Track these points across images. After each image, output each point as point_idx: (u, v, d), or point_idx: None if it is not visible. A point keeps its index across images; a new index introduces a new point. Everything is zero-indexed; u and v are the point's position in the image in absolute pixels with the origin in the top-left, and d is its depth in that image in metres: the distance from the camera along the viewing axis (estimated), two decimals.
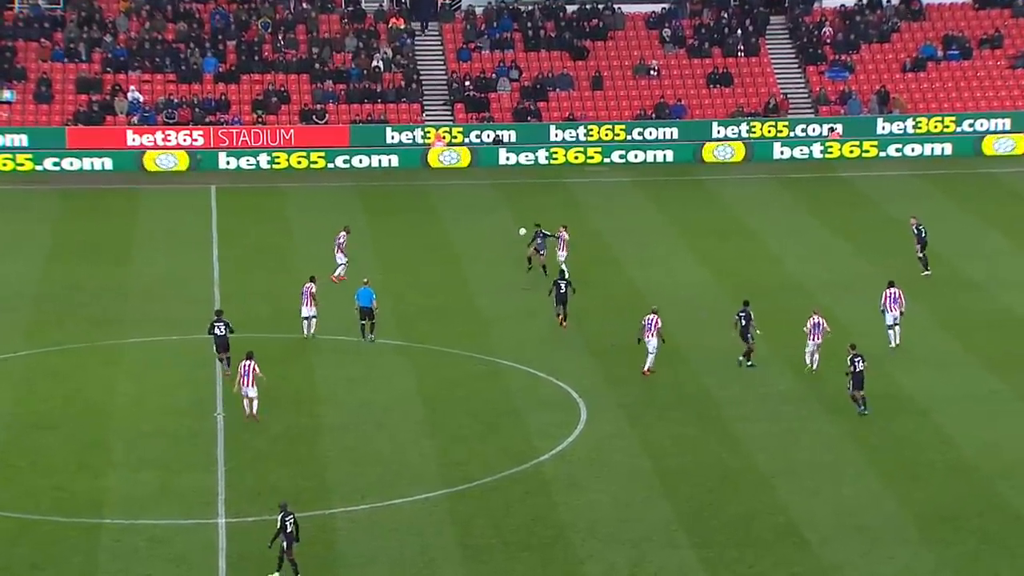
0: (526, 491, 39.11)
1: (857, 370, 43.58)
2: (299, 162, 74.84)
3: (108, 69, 78.86)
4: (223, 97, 78.32)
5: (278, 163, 74.75)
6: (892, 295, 49.43)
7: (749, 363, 47.04)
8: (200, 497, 38.50)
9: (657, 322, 46.80)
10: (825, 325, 46.88)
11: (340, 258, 56.19)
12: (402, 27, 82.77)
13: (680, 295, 54.00)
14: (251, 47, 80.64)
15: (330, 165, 74.96)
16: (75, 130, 75.43)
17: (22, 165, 73.00)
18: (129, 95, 77.34)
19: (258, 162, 74.65)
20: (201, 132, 75.93)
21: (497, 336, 50.71)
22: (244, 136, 76.07)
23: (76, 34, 79.93)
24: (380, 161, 75.37)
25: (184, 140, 75.66)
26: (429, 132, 77.26)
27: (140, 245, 61.64)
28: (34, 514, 37.26)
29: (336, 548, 36.11)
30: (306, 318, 50.01)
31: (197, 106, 77.59)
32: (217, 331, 46.70)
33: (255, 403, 43.33)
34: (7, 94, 76.57)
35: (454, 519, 37.48)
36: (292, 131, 76.55)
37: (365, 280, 49.86)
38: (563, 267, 54.74)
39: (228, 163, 74.56)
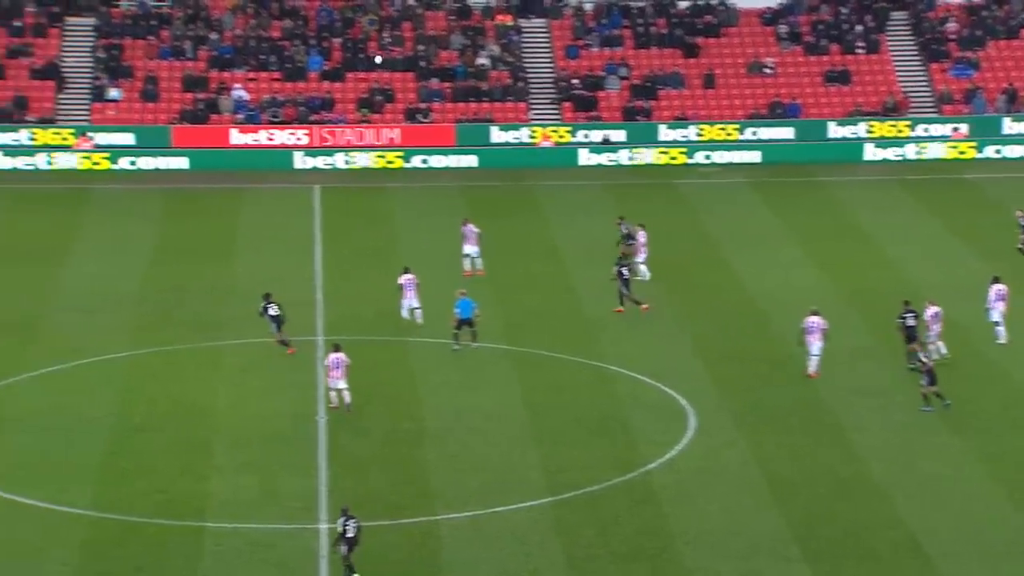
0: (634, 500, 38.19)
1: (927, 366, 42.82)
2: (403, 161, 74.34)
3: (214, 67, 78.84)
4: (328, 95, 78.01)
5: (382, 162, 74.30)
6: (998, 292, 48.09)
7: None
8: (301, 502, 38.00)
9: (821, 324, 45.69)
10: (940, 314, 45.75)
11: (471, 250, 55.92)
12: (509, 24, 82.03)
13: (793, 299, 52.67)
14: (356, 45, 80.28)
15: (433, 164, 74.38)
16: (180, 128, 75.44)
17: (132, 164, 73.10)
18: (234, 93, 77.25)
19: (362, 161, 74.24)
20: (305, 131, 75.66)
21: (604, 340, 49.77)
22: (348, 135, 75.70)
23: (182, 32, 79.98)
24: (485, 160, 74.71)
25: (288, 139, 75.43)
26: (535, 131, 76.43)
27: (243, 246, 61.37)
28: (138, 517, 36.96)
29: (439, 556, 35.49)
30: (413, 309, 49.72)
31: (302, 104, 77.33)
32: (271, 311, 47.74)
33: (345, 394, 43.02)
34: (113, 92, 76.74)
35: (559, 528, 36.67)
36: (397, 130, 76.05)
37: (463, 291, 48.96)
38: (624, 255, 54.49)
39: (333, 162, 74.22)
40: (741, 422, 43.01)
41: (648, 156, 75.12)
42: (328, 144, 75.38)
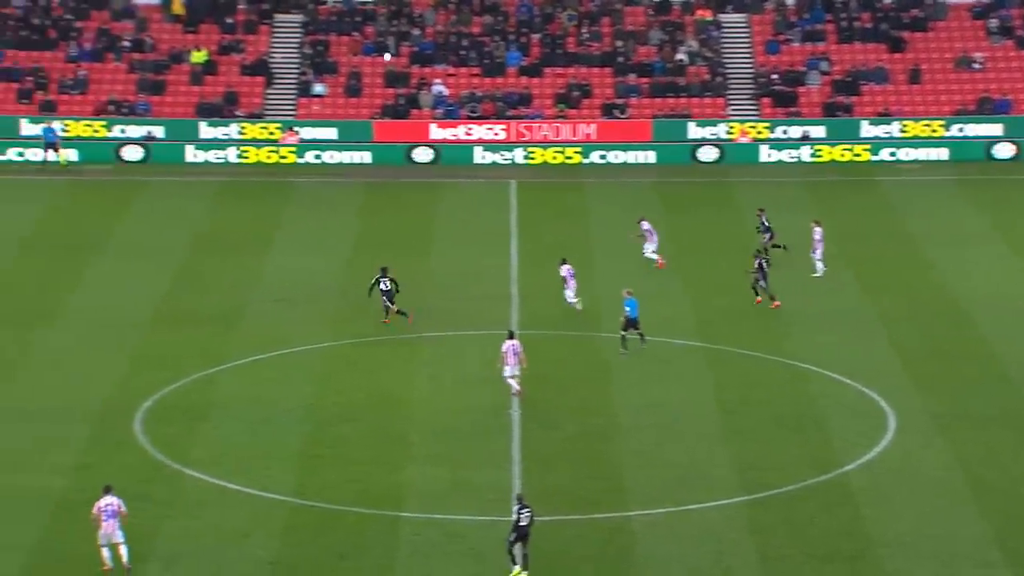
0: (830, 501, 37.74)
1: None
2: (599, 156, 74.39)
3: (415, 63, 79.76)
4: (526, 91, 78.40)
5: (579, 158, 74.44)
6: None
7: None
8: (495, 494, 38.31)
9: None
10: None
11: (649, 248, 56.47)
12: (709, 19, 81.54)
13: (999, 301, 51.51)
14: (555, 40, 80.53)
15: (628, 160, 74.28)
16: (381, 123, 76.49)
17: (331, 157, 74.31)
18: (434, 89, 78.06)
19: (559, 156, 74.48)
20: (503, 126, 76.14)
21: (798, 338, 49.26)
22: (545, 130, 75.98)
23: (385, 28, 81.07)
24: (681, 156, 74.40)
25: (486, 134, 75.99)
26: (733, 127, 75.88)
27: (440, 239, 61.99)
28: (337, 504, 37.58)
29: (631, 552, 35.48)
30: (571, 301, 50.81)
31: (500, 100, 77.83)
32: (383, 286, 49.77)
33: (514, 382, 43.46)
34: (319, 87, 78.11)
35: (753, 527, 36.40)
36: (593, 125, 76.11)
37: (629, 290, 48.78)
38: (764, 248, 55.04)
39: (529, 157, 74.59)
40: (941, 423, 42.24)
41: (848, 153, 74.06)
42: (525, 139, 75.73)
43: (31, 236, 60.96)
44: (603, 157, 74.48)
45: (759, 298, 52.02)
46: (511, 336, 44.30)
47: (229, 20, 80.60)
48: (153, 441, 41.24)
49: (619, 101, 77.58)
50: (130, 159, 73.42)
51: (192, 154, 73.67)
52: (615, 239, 60.69)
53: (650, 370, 46.84)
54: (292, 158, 74.17)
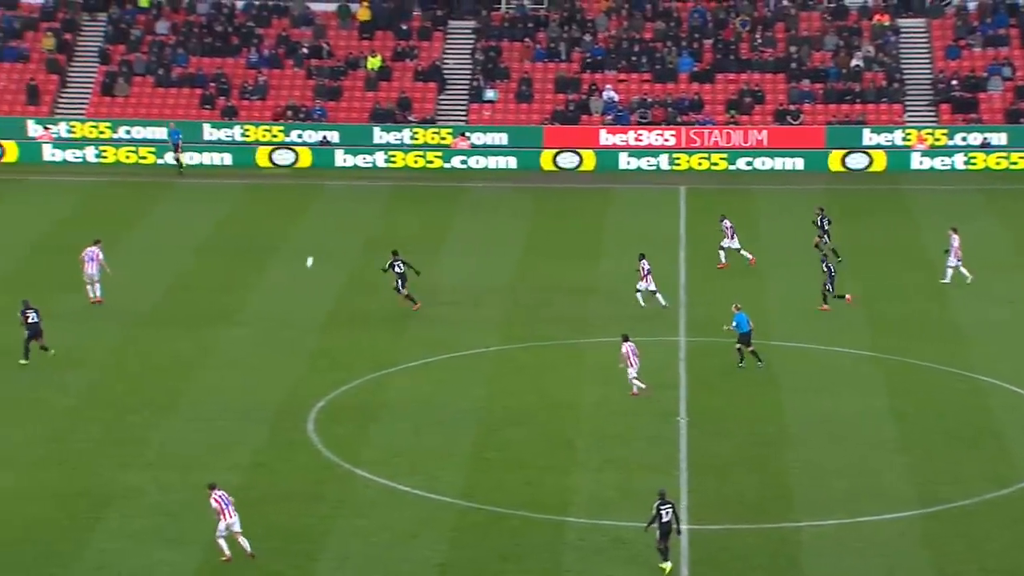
0: (1009, 517, 36.94)
1: None
2: (770, 164, 73.76)
3: (586, 68, 79.84)
4: (697, 97, 78.02)
5: (750, 165, 73.90)
6: None
7: None
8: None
9: None
10: None
11: (729, 244, 56.73)
12: (887, 24, 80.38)
13: None
14: (727, 46, 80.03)
15: (798, 167, 73.54)
16: (552, 129, 76.68)
17: (504, 164, 74.69)
18: (604, 94, 78.05)
19: (729, 163, 74.03)
20: (673, 132, 75.87)
21: (976, 350, 48.32)
22: (716, 136, 75.55)
23: (557, 34, 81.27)
24: (857, 163, 73.44)
25: (656, 140, 75.78)
26: (910, 134, 74.68)
27: (609, 245, 61.92)
28: (504, 508, 37.75)
29: (799, 562, 35.12)
30: (651, 293, 51.75)
31: (670, 106, 77.57)
32: (397, 268, 51.55)
33: (638, 383, 44.10)
34: (490, 93, 78.57)
35: (926, 542, 35.79)
36: (765, 132, 75.49)
37: (738, 305, 48.01)
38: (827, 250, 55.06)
39: (700, 163, 74.22)
40: None
41: None
42: (695, 145, 75.38)
43: (211, 239, 62.14)
44: (773, 163, 73.82)
45: (826, 305, 51.33)
46: (626, 339, 44.61)
47: (404, 27, 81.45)
48: (325, 441, 41.78)
49: (792, 107, 76.81)
50: (306, 164, 74.57)
51: (363, 159, 74.56)
52: (785, 245, 60.07)
53: (821, 379, 46.28)
54: (462, 163, 74.71)
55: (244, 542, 34.84)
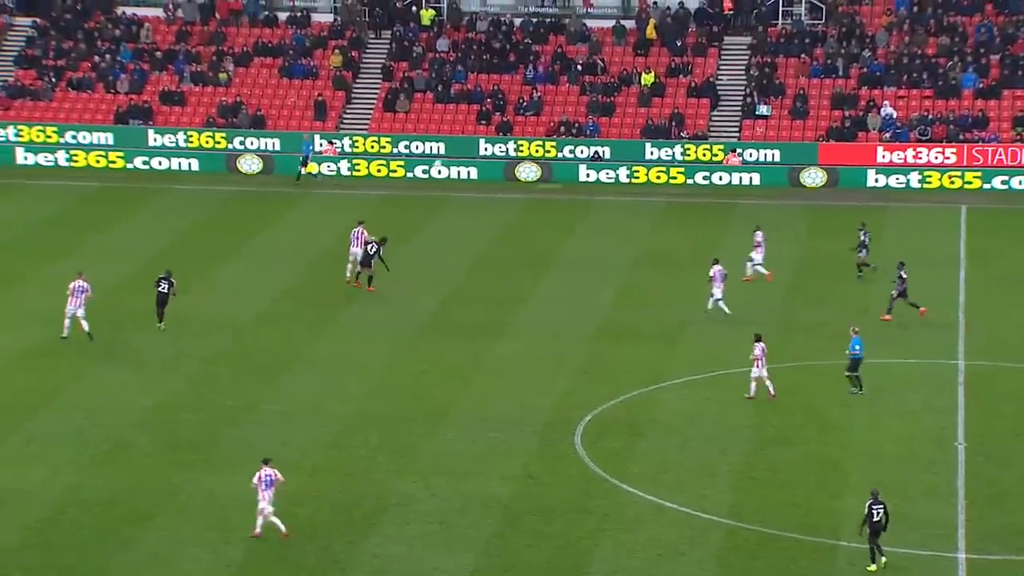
0: None
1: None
2: None
3: (864, 84, 78.62)
4: (981, 114, 76.10)
5: None
6: None
7: None
8: (938, 528, 37.35)
9: None
10: None
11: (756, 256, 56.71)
12: None
13: None
14: (1016, 61, 77.83)
15: None
16: (827, 146, 75.70)
17: (771, 179, 74.11)
18: (883, 111, 76.72)
19: (1014, 181, 72.02)
20: (954, 150, 74.16)
21: None
22: (1000, 155, 73.57)
23: (835, 49, 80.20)
24: None
25: (936, 158, 74.17)
26: None
27: (885, 264, 60.68)
28: (773, 528, 37.42)
29: None
30: (715, 300, 51.96)
31: (952, 123, 75.83)
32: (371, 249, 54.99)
33: (770, 385, 45.15)
34: (763, 109, 77.97)
35: None
36: None
37: (856, 329, 46.47)
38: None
39: (985, 181, 72.38)
40: None
41: None
42: (978, 163, 73.53)
43: (485, 251, 63.08)
44: None
45: (888, 316, 51.17)
46: (758, 339, 45.36)
47: (679, 43, 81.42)
48: (592, 455, 42.01)
49: None
50: (581, 179, 75.06)
51: (635, 174, 74.73)
52: None
53: None
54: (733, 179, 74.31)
55: (277, 522, 36.50)
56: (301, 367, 48.88)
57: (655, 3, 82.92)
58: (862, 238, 58.18)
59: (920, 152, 74.33)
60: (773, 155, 75.50)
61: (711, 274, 52.74)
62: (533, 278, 58.59)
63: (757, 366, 45.39)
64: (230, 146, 76.85)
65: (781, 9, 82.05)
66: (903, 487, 39.82)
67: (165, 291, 52.21)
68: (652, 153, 76.05)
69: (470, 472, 40.89)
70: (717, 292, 52.48)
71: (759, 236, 57.51)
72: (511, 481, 40.33)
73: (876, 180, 73.13)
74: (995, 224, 66.34)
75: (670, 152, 75.92)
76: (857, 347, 45.86)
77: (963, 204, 69.66)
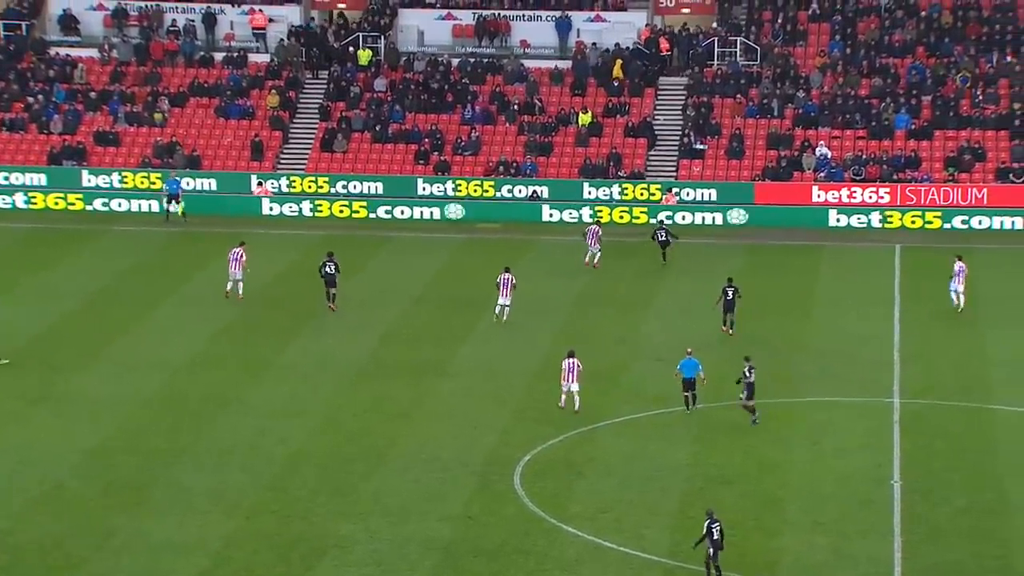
0: None
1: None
2: (987, 222, 72.36)
3: (799, 125, 79.30)
4: (913, 154, 76.91)
5: (966, 224, 72.58)
6: None
7: None
8: (876, 566, 37.51)
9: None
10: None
11: None
12: None
13: None
14: (947, 103, 78.75)
15: (1021, 226, 71.97)
16: (762, 185, 76.26)
17: (709, 219, 74.51)
18: (817, 151, 77.40)
19: (944, 221, 72.80)
20: (887, 189, 74.89)
21: None
22: (933, 194, 74.35)
23: (770, 90, 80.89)
24: None
25: (870, 198, 74.86)
26: None
27: (821, 302, 61.24)
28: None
29: None
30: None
31: (885, 163, 76.57)
32: (327, 269, 57.35)
33: (576, 398, 47.06)
34: (700, 147, 78.43)
35: None
36: (985, 190, 74.07)
37: (689, 350, 47.64)
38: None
39: (914, 221, 73.11)
40: None
41: None
42: (911, 203, 74.28)
43: (424, 290, 63.02)
44: (992, 223, 72.36)
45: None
46: (571, 355, 47.74)
47: (615, 83, 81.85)
48: (532, 495, 41.94)
49: (1015, 165, 75.24)
50: (516, 218, 75.21)
51: (570, 215, 74.95)
52: (1003, 307, 58.76)
53: None
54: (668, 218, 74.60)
55: None
56: (238, 408, 48.58)
57: (594, 44, 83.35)
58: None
59: (855, 192, 75.01)
60: (710, 194, 75.93)
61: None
62: (472, 317, 58.56)
63: (566, 380, 47.47)
64: (165, 186, 76.54)
65: (717, 50, 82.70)
66: (841, 525, 39.99)
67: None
68: (590, 193, 76.34)
69: (410, 513, 40.73)
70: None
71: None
72: (451, 522, 40.21)
73: (864, 220, 73.45)
74: (929, 263, 66.94)
75: (607, 191, 76.21)
76: (680, 367, 47.83)
77: (897, 243, 70.29)
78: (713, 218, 74.32)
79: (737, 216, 74.11)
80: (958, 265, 58.48)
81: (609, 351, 54.50)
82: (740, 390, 47.12)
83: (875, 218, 73.59)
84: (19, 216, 74.87)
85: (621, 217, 74.40)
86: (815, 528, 39.85)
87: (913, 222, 73.17)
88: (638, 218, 74.16)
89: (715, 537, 36.01)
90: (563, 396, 47.82)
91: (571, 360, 47.82)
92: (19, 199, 76.31)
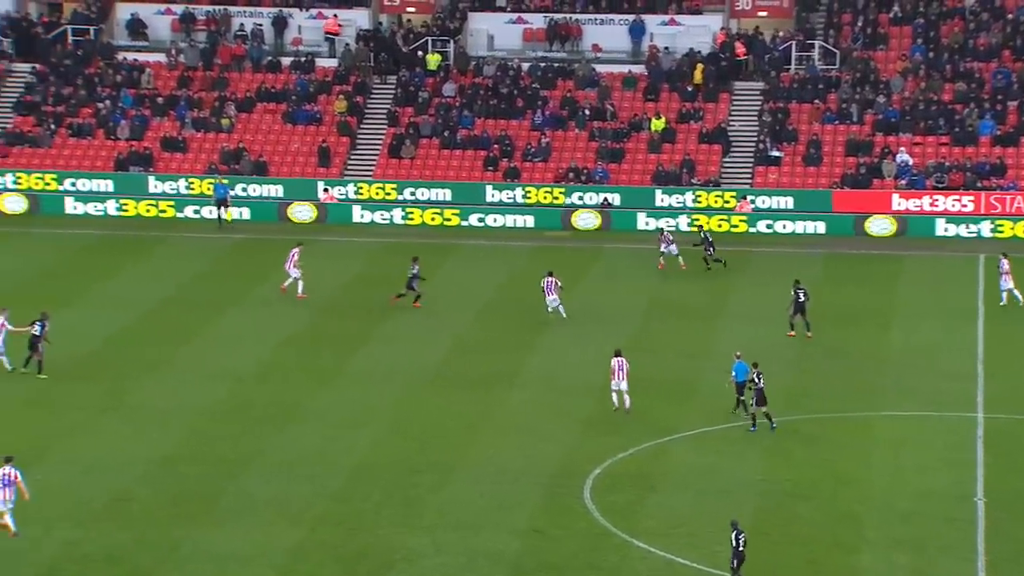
0: None
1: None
2: None
3: (879, 131, 77.70)
4: (999, 161, 75.11)
5: None
6: None
7: None
8: None
9: None
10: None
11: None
12: None
13: None
14: None
15: None
16: (841, 193, 74.73)
17: (785, 227, 73.09)
18: (898, 157, 75.77)
19: None
20: (971, 197, 73.15)
21: None
22: (1018, 202, 72.58)
23: (849, 95, 79.31)
24: None
25: (952, 205, 73.17)
26: None
27: (901, 314, 59.72)
28: None
29: None
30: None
31: (969, 170, 74.84)
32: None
33: (626, 397, 46.80)
34: (776, 155, 77.02)
35: None
36: None
37: (738, 354, 46.25)
38: None
39: (998, 230, 71.34)
40: None
41: None
42: (996, 212, 72.54)
43: (493, 299, 62.04)
44: None
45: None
46: (618, 354, 47.27)
47: (689, 88, 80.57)
48: (602, 509, 40.86)
49: None
50: (583, 227, 74.02)
51: (644, 222, 73.73)
52: None
53: None
54: (744, 227, 73.25)
55: (9, 521, 36.90)
56: (304, 417, 47.77)
57: (667, 48, 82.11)
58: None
59: (937, 200, 73.33)
60: (786, 202, 74.50)
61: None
62: (540, 327, 57.49)
63: (615, 379, 47.00)
64: (214, 192, 75.82)
65: (795, 54, 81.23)
66: (922, 543, 38.71)
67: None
68: (663, 200, 75.06)
69: (478, 526, 39.73)
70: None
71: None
72: (519, 535, 39.17)
73: (947, 229, 71.88)
74: (1014, 273, 65.10)
75: (680, 199, 74.91)
76: (735, 371, 46.86)
77: (981, 253, 68.59)
78: (792, 227, 72.80)
79: (813, 225, 72.67)
80: (1004, 263, 58.64)
81: (681, 362, 53.32)
82: (750, 396, 46.13)
83: (959, 227, 71.87)
84: (86, 223, 74.56)
85: (693, 224, 72.94)
86: (895, 546, 38.56)
87: (997, 231, 71.40)
88: (719, 226, 72.61)
89: (740, 548, 35.35)
90: (614, 395, 47.30)
91: (619, 359, 47.38)
92: (88, 207, 76.00)
